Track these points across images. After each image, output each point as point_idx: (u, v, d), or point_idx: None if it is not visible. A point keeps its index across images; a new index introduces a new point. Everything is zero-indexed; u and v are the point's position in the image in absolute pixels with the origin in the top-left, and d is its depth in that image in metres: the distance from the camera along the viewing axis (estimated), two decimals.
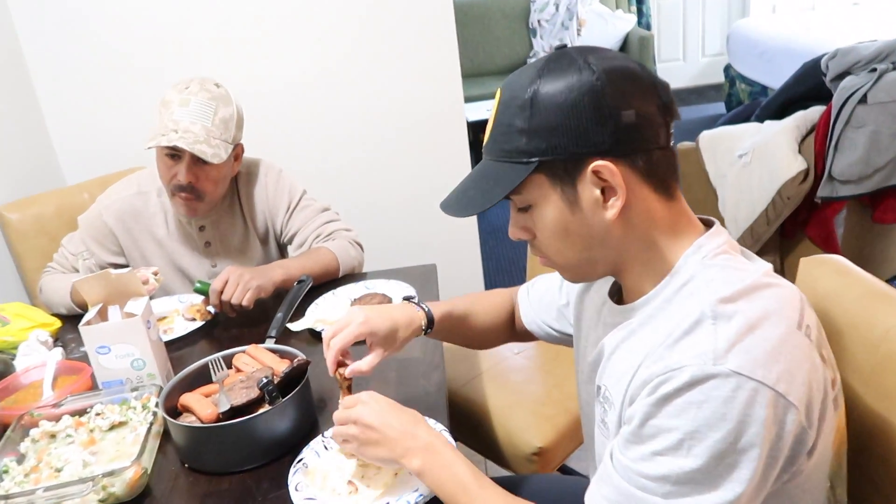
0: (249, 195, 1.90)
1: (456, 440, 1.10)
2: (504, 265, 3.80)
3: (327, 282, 1.80)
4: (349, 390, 1.13)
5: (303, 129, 2.59)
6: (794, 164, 2.60)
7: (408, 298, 1.22)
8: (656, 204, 0.87)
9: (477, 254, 2.75)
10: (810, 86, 2.86)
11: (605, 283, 1.05)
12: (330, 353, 1.11)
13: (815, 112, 2.71)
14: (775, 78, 4.44)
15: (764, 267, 0.87)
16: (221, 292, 1.61)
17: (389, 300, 1.65)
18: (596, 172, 0.83)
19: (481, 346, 1.35)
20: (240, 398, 1.17)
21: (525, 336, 1.30)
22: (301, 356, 1.29)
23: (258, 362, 1.30)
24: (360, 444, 1.01)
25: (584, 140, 0.82)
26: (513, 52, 5.81)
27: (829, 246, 2.70)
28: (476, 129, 4.02)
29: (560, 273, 0.96)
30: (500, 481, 1.46)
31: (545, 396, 1.82)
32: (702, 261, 0.86)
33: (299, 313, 1.60)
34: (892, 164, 2.52)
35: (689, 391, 0.75)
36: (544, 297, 1.24)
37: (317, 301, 1.69)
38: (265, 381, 1.11)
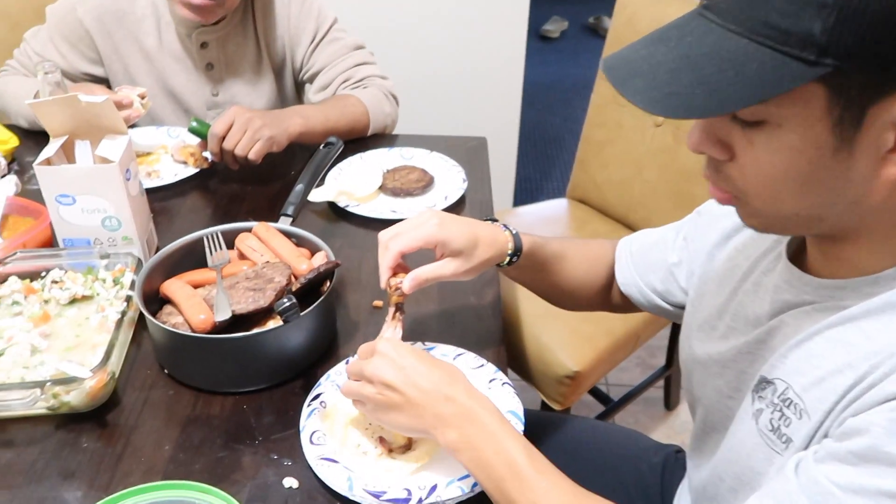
0: (267, 12, 1.50)
1: None
2: (545, 130, 3.45)
3: (352, 141, 1.46)
4: (401, 309, 0.86)
5: None
6: None
7: (491, 220, 0.92)
8: None
9: (515, 124, 2.39)
10: None
11: (762, 239, 0.75)
12: (387, 255, 0.84)
13: None
14: None
15: None
16: (224, 138, 1.27)
17: (431, 179, 1.33)
18: None
19: (568, 303, 1.05)
20: (245, 304, 0.88)
21: (622, 305, 1.01)
22: (326, 252, 0.99)
23: (270, 250, 1.00)
24: (375, 407, 0.76)
25: None
26: None
27: None
28: None
29: (745, 216, 0.64)
30: (532, 417, 1.24)
31: (587, 312, 1.56)
32: None
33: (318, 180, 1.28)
34: None
35: None
36: (651, 253, 0.94)
37: (340, 166, 1.37)
38: (286, 304, 0.81)
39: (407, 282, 0.84)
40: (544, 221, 1.88)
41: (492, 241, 0.86)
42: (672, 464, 1.07)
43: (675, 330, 1.90)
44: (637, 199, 1.77)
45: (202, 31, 1.46)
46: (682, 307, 0.91)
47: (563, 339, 1.49)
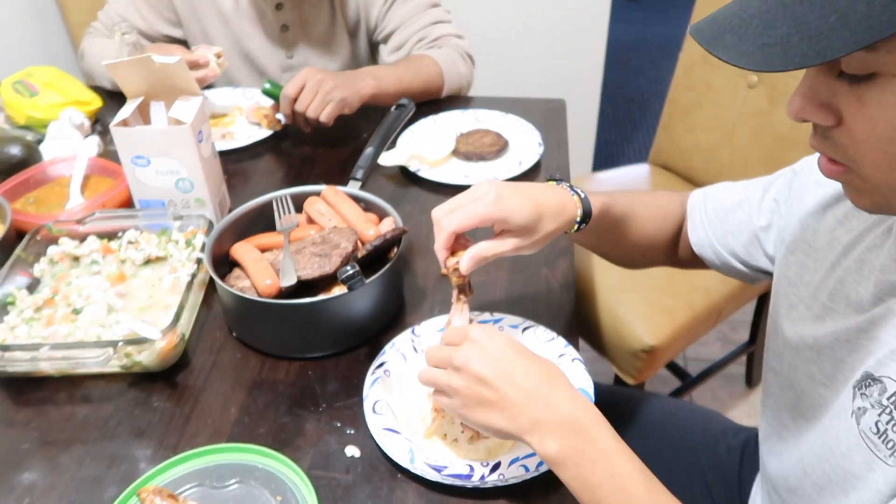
0: None
1: None
2: (628, 92, 3.31)
3: (426, 103, 1.42)
4: (465, 291, 0.80)
5: None
6: None
7: (556, 179, 0.83)
8: None
9: (597, 85, 2.29)
10: None
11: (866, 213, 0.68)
12: (441, 235, 0.76)
13: None
14: None
15: None
16: (295, 100, 1.26)
17: (505, 143, 1.28)
18: None
19: (631, 262, 0.98)
20: (310, 270, 0.87)
21: (691, 261, 0.94)
22: (395, 217, 0.96)
23: (337, 214, 0.98)
24: (463, 402, 0.68)
25: None
26: None
27: None
28: None
29: (855, 194, 0.57)
30: (606, 392, 1.20)
31: (666, 283, 1.49)
32: None
33: (389, 143, 1.25)
34: None
35: None
36: (733, 214, 0.86)
37: (412, 129, 1.34)
38: (350, 272, 0.79)
39: (464, 261, 0.75)
40: (624, 188, 1.80)
41: (558, 210, 0.78)
42: (752, 448, 1.01)
43: (761, 304, 1.80)
44: (726, 166, 1.67)
45: None
46: (763, 271, 0.84)
47: (639, 312, 1.43)
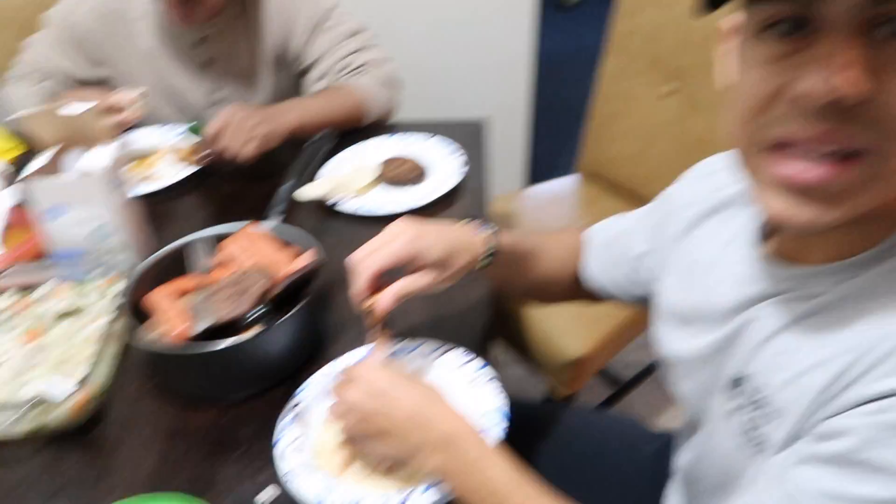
0: (264, 5, 1.48)
1: None
2: (564, 104, 3.35)
3: (351, 131, 1.44)
4: (380, 332, 0.82)
5: None
6: None
7: (472, 218, 0.88)
8: None
9: (525, 102, 2.32)
10: None
11: (726, 227, 0.72)
12: (362, 277, 0.78)
13: None
14: None
15: None
16: (218, 138, 1.27)
17: (422, 171, 1.30)
18: None
19: (542, 299, 1.03)
20: (223, 312, 0.88)
21: (593, 296, 0.98)
22: (313, 251, 0.97)
23: (255, 253, 0.99)
24: (357, 438, 0.75)
25: None
26: None
27: None
28: None
29: (840, 198, 0.51)
30: (528, 409, 1.21)
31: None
32: None
33: (309, 176, 1.27)
34: None
35: None
36: (615, 245, 0.91)
37: (339, 157, 1.35)
38: (260, 311, 0.80)
39: (386, 298, 0.79)
40: (551, 202, 1.85)
41: (468, 245, 0.82)
42: (666, 454, 1.05)
43: None
44: (652, 172, 1.71)
45: (199, 27, 1.45)
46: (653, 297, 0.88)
47: (563, 325, 1.46)
